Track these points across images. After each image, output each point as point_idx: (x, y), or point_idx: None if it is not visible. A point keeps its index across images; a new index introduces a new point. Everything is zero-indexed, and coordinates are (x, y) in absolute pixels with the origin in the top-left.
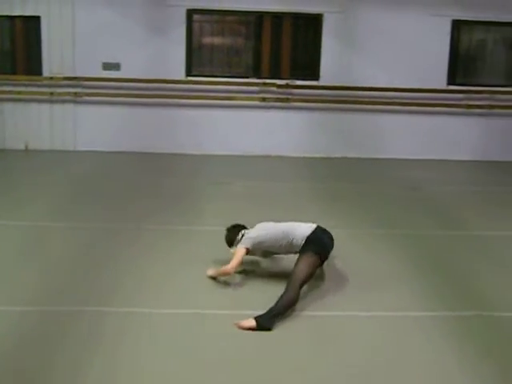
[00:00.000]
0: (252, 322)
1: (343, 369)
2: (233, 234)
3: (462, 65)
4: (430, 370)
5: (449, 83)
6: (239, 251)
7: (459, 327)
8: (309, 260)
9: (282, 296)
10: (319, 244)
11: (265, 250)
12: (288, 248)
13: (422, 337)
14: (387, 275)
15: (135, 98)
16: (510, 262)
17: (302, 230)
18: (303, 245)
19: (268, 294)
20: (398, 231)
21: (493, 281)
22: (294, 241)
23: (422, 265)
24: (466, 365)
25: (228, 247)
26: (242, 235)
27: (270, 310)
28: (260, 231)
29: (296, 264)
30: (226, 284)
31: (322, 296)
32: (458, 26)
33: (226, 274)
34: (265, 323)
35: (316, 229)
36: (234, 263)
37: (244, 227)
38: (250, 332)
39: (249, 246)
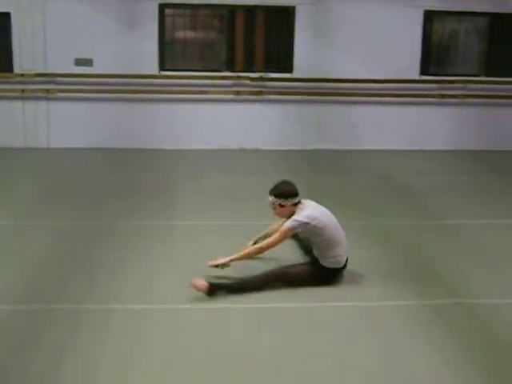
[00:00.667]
0: (204, 285)
1: (318, 359)
2: (286, 191)
3: (435, 55)
4: (404, 357)
5: (422, 73)
6: (287, 230)
7: (433, 315)
8: (305, 275)
9: (252, 277)
10: (328, 280)
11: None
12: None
13: (396, 325)
14: (360, 265)
15: (108, 94)
16: (481, 250)
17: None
18: (325, 264)
19: None
20: (370, 221)
21: (465, 269)
22: (334, 251)
23: (395, 254)
24: (441, 351)
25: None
26: (294, 209)
27: (229, 285)
28: (322, 216)
29: (294, 266)
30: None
31: (295, 288)
32: (430, 16)
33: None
34: (214, 291)
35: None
36: (275, 239)
37: (295, 194)
38: (226, 326)
39: (302, 228)
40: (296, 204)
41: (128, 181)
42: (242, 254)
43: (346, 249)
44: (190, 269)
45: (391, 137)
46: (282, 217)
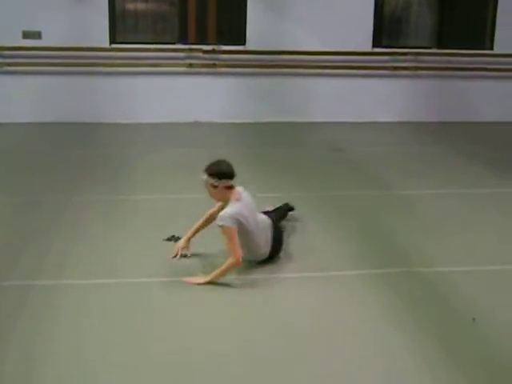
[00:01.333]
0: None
1: (273, 329)
2: (221, 171)
3: (387, 27)
4: (354, 325)
5: (374, 45)
6: (231, 233)
7: (385, 284)
8: None
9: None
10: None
11: None
12: None
13: (347, 294)
14: (313, 236)
15: (58, 67)
16: (430, 219)
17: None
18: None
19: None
20: (322, 192)
21: (415, 238)
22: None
23: (347, 225)
24: (392, 319)
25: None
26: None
27: None
28: (250, 215)
29: None
30: (158, 253)
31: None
32: None
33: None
34: None
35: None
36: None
37: (230, 176)
38: (196, 299)
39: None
40: (229, 187)
41: (79, 156)
42: (217, 272)
43: (266, 242)
44: (143, 243)
45: (344, 109)
46: (215, 199)
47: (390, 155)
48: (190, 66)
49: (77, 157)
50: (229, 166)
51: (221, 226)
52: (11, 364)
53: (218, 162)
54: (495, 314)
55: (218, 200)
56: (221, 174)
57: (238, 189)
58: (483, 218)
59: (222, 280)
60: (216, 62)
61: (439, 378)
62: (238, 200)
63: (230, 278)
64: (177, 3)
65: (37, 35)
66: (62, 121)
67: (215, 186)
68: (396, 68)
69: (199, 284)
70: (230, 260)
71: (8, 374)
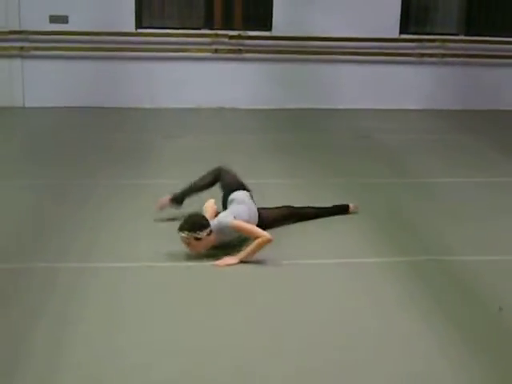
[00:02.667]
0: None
1: (294, 316)
2: (199, 223)
3: (415, 14)
4: (381, 311)
5: (401, 32)
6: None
7: (411, 271)
8: None
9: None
10: None
11: None
12: None
13: (372, 281)
14: (335, 223)
15: (85, 52)
16: (457, 208)
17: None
18: None
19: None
20: (346, 179)
21: (442, 227)
22: None
23: (371, 212)
24: (418, 305)
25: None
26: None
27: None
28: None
29: None
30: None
31: (275, 246)
32: None
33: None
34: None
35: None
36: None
37: (208, 224)
38: (206, 282)
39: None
40: (210, 233)
41: (103, 140)
42: (249, 251)
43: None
44: (157, 227)
45: (370, 96)
46: (200, 251)
47: (415, 143)
48: (216, 51)
49: (103, 141)
50: (201, 216)
51: (230, 227)
52: (40, 346)
53: (191, 217)
54: None
55: (203, 249)
56: (200, 225)
57: (210, 206)
58: (508, 206)
59: (232, 269)
60: (242, 48)
61: (466, 368)
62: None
63: (251, 261)
64: None
65: (64, 19)
66: (88, 105)
67: (199, 239)
68: (423, 55)
69: (231, 265)
70: (259, 239)
71: (38, 354)
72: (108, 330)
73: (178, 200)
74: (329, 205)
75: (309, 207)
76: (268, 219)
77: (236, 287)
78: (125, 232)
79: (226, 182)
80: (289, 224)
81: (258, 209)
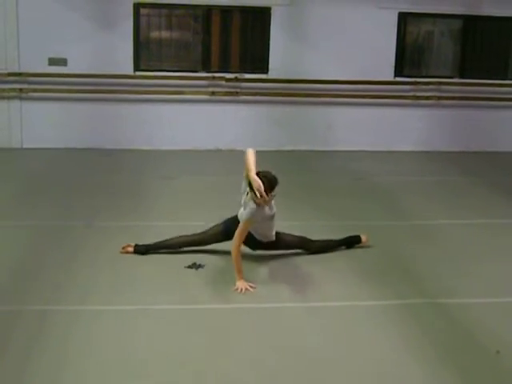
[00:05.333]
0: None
1: (296, 358)
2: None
3: (409, 57)
4: (377, 356)
5: (396, 75)
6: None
7: (407, 315)
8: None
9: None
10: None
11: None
12: None
13: (371, 325)
14: (334, 265)
15: (83, 94)
16: (454, 249)
17: None
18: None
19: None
20: (343, 222)
21: (438, 269)
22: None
23: (368, 254)
24: (414, 350)
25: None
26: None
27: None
28: None
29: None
30: (176, 280)
31: (272, 289)
32: (404, 18)
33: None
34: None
35: None
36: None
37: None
38: (197, 329)
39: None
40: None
41: (101, 181)
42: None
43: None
44: (163, 269)
45: (366, 138)
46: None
47: (411, 185)
48: (213, 93)
49: (100, 183)
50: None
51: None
52: None
53: (270, 174)
54: None
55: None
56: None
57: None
58: (506, 249)
59: (237, 306)
60: (238, 91)
61: None
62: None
63: (249, 305)
64: (200, 32)
65: (63, 62)
66: (86, 147)
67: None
68: (418, 97)
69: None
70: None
71: None
72: (104, 375)
73: (140, 251)
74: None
75: (322, 240)
76: (284, 241)
77: (234, 327)
78: (120, 274)
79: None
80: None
81: (278, 232)
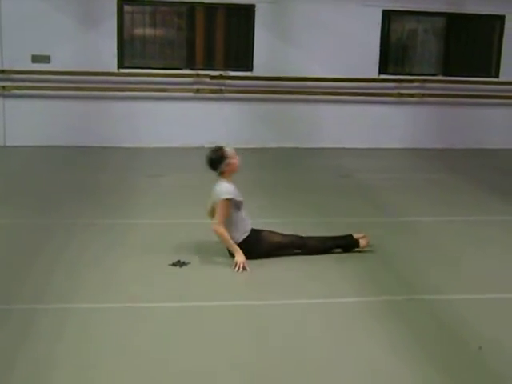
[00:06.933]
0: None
1: (280, 356)
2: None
3: (394, 54)
4: (360, 353)
5: (380, 72)
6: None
7: (390, 311)
8: None
9: None
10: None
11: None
12: None
13: (355, 322)
14: (317, 262)
15: (67, 91)
16: (437, 246)
17: None
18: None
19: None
20: (328, 219)
21: (421, 265)
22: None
23: (354, 251)
24: (397, 347)
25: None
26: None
27: None
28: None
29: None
30: (161, 278)
31: (259, 286)
32: (388, 15)
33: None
34: None
35: None
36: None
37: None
38: (182, 326)
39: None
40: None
41: (86, 179)
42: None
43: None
44: (147, 266)
45: (351, 135)
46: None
47: (396, 181)
48: (198, 91)
49: (85, 181)
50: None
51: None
52: None
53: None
54: (501, 343)
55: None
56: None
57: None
58: (491, 245)
59: (222, 303)
60: (223, 88)
61: None
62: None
63: (238, 302)
64: (185, 29)
65: (46, 59)
66: (70, 144)
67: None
68: (402, 95)
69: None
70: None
71: None
72: (85, 373)
73: None
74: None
75: (316, 238)
76: (272, 242)
77: (228, 326)
78: (102, 272)
79: None
80: (294, 253)
81: (267, 230)
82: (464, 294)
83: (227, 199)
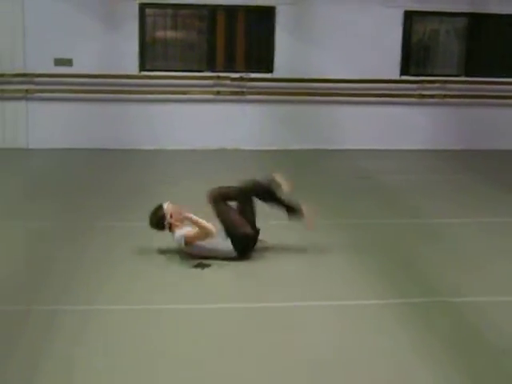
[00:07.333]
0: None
1: (300, 359)
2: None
3: (415, 55)
4: (386, 357)
5: (402, 74)
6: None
7: (414, 314)
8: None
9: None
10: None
11: None
12: None
13: (375, 325)
14: (341, 264)
15: (88, 94)
16: (460, 248)
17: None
18: None
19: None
20: (349, 220)
21: (445, 267)
22: None
23: (375, 253)
24: (421, 350)
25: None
26: None
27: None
28: None
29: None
30: (184, 280)
31: (275, 286)
32: (410, 16)
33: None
34: None
35: None
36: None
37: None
38: (205, 328)
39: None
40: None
41: (107, 181)
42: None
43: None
44: (170, 269)
45: (371, 137)
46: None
47: (417, 183)
48: (218, 93)
49: (106, 183)
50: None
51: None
52: None
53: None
54: None
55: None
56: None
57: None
58: None
59: (246, 306)
60: (244, 90)
61: None
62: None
63: (252, 305)
64: (205, 31)
65: (68, 62)
66: (91, 147)
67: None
68: (424, 96)
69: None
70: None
71: None
72: (106, 375)
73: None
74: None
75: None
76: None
77: (244, 328)
78: (123, 274)
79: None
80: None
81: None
82: (487, 297)
83: (186, 238)
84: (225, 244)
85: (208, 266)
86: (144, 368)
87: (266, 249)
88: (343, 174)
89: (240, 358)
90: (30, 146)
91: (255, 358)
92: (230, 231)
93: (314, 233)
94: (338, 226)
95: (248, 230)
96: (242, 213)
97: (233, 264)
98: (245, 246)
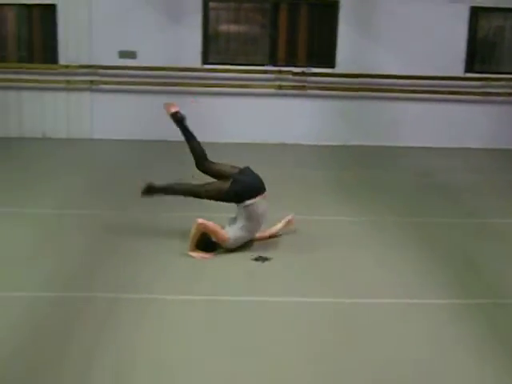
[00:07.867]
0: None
1: (358, 358)
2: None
3: (480, 52)
4: (448, 357)
5: (466, 71)
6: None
7: (474, 315)
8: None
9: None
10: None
11: None
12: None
13: (434, 324)
14: (400, 263)
15: (151, 86)
16: None
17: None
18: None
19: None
20: (410, 219)
21: (506, 268)
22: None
23: (435, 252)
24: (480, 349)
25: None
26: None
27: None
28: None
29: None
30: (243, 272)
31: (341, 283)
32: (476, 12)
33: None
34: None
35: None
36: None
37: None
38: (265, 321)
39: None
40: None
41: (168, 172)
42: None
43: None
44: (230, 261)
45: (434, 134)
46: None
47: (480, 182)
48: (280, 87)
49: (167, 174)
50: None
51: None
52: (107, 374)
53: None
54: None
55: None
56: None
57: None
58: None
59: (309, 300)
60: (305, 84)
61: None
62: None
63: (320, 300)
64: (268, 25)
65: (132, 55)
66: (154, 139)
67: None
68: (489, 94)
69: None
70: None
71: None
72: (164, 362)
73: (149, 191)
74: None
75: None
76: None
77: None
78: (190, 265)
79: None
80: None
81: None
82: None
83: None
84: (235, 228)
85: (268, 259)
86: (203, 358)
87: (333, 244)
88: (403, 172)
89: (297, 350)
90: (94, 137)
91: (315, 351)
92: (223, 198)
93: (374, 230)
94: (401, 223)
95: (226, 185)
96: (218, 176)
97: (294, 257)
98: (238, 195)
